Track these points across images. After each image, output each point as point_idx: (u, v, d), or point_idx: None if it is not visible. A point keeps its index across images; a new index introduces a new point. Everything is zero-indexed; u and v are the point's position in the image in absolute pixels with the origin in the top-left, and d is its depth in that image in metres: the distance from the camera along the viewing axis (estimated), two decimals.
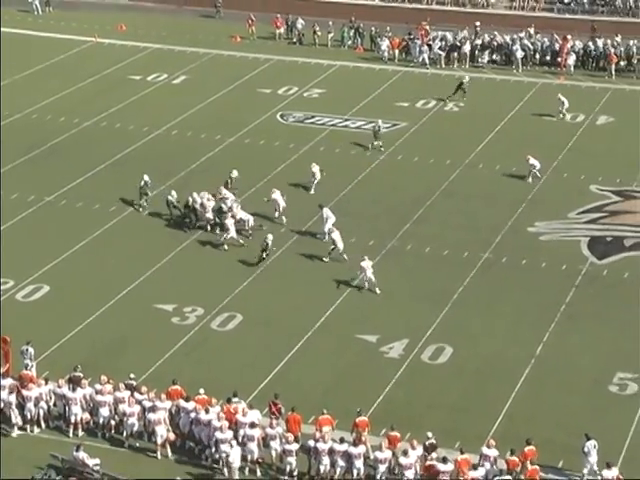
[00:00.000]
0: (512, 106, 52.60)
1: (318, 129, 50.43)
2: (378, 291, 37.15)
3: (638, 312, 35.87)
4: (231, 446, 28.47)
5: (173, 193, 41.71)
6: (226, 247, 39.72)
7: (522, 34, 58.64)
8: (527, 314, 35.87)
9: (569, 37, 57.65)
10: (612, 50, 56.73)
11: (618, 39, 57.50)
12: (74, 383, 30.75)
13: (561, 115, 50.95)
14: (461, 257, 39.38)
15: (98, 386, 30.53)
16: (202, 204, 40.91)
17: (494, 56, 58.73)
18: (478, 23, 60.03)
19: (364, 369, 33.12)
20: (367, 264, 37.35)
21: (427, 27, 59.99)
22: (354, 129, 50.69)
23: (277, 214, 41.79)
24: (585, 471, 28.05)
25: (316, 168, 43.63)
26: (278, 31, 63.09)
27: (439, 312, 35.97)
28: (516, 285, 37.66)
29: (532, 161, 44.73)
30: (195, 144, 48.56)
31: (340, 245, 38.75)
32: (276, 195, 41.74)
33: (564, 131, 49.97)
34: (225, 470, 28.56)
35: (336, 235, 38.92)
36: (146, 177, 42.79)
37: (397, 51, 59.39)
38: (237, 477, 28.57)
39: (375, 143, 47.94)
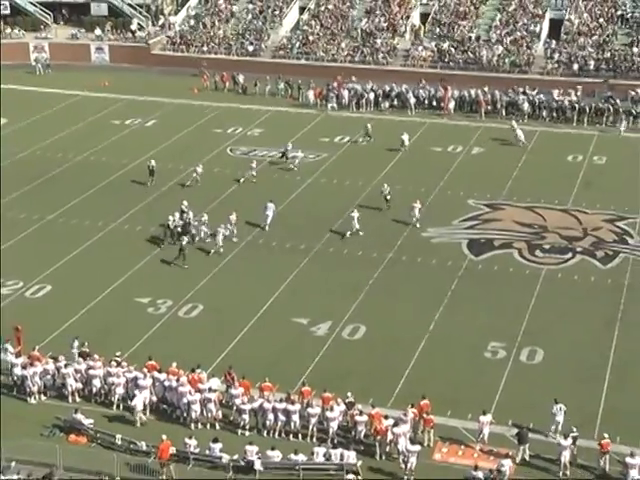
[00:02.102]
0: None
1: (259, 160, 50.20)
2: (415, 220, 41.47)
3: (505, 296, 36.24)
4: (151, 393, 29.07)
5: (177, 214, 40.45)
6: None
7: (418, 84, 59.09)
8: (422, 300, 36.01)
9: (449, 87, 58.01)
10: (482, 97, 57.18)
11: (486, 89, 57.89)
12: (83, 356, 30.42)
13: (520, 144, 51.10)
14: (371, 256, 39.40)
15: (91, 362, 30.13)
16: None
17: (394, 102, 58.90)
18: (354, 78, 59.95)
19: (298, 345, 33.02)
20: (417, 205, 41.53)
21: (341, 80, 60.02)
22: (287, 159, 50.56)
23: (191, 181, 46.10)
24: (552, 428, 27.80)
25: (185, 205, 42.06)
26: (227, 84, 62.80)
27: (355, 299, 35.97)
28: (413, 277, 37.79)
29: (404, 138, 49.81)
30: (164, 173, 48.00)
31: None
32: (199, 169, 46.21)
33: (447, 159, 50.26)
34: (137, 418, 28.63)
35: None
36: (153, 162, 46.29)
37: (318, 99, 59.33)
38: (144, 418, 28.58)
39: (368, 137, 52.19)
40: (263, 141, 53.25)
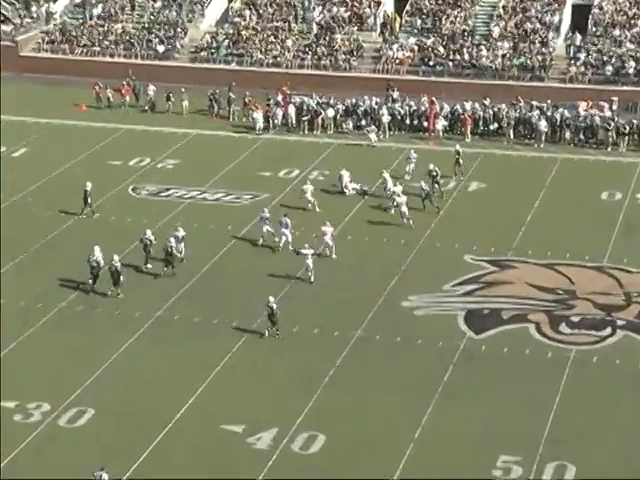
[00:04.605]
0: (377, 170, 52.53)
1: (174, 202, 50.05)
2: (334, 256, 44.46)
3: (519, 389, 36.07)
4: None
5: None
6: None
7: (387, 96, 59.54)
8: (403, 395, 35.70)
9: (436, 101, 58.42)
10: (479, 111, 57.60)
11: (487, 102, 58.32)
12: None
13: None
14: (332, 336, 39.18)
15: None
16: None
17: (360, 121, 59.08)
18: (288, 89, 60.36)
19: (230, 463, 32.43)
20: (328, 229, 44.47)
21: (287, 91, 60.23)
22: (212, 201, 50.43)
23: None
24: None
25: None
26: (127, 99, 62.75)
27: (310, 396, 35.57)
28: (391, 364, 37.53)
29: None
30: (39, 222, 47.63)
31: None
32: None
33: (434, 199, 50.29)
34: None
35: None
36: (89, 185, 48.38)
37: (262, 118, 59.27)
38: None
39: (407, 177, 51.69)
40: (180, 176, 53.17)
